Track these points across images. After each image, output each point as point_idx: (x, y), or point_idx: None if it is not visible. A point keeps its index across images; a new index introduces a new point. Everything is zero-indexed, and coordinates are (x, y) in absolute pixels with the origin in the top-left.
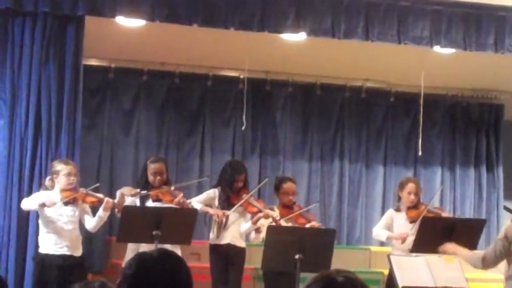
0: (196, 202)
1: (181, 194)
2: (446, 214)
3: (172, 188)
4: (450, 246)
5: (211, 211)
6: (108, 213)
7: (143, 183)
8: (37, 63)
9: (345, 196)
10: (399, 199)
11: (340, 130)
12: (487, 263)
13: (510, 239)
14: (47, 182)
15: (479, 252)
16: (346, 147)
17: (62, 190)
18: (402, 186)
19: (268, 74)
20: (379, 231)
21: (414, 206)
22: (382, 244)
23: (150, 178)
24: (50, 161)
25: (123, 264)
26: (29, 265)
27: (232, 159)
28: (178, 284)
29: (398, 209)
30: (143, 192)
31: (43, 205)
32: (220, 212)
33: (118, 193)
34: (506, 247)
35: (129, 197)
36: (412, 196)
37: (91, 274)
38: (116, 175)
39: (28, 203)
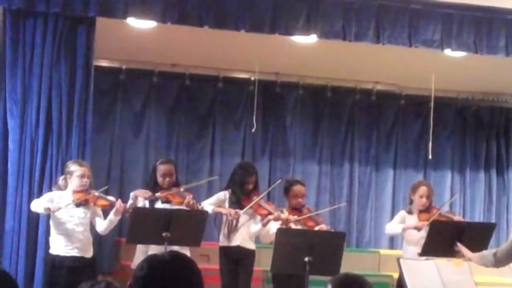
0: (208, 205)
1: (191, 196)
2: (457, 218)
3: (182, 189)
4: (464, 250)
5: (223, 211)
6: (119, 217)
7: (152, 185)
8: (48, 64)
9: (354, 199)
10: (411, 202)
11: (350, 133)
12: (499, 260)
13: None
14: (60, 181)
15: (490, 250)
16: (356, 149)
17: (74, 192)
18: (414, 189)
19: (279, 76)
20: (393, 225)
21: (426, 209)
22: (391, 247)
23: (159, 179)
24: (60, 162)
25: (133, 266)
26: (39, 266)
27: (242, 161)
28: (189, 286)
29: (410, 212)
30: (157, 194)
31: (48, 210)
32: (232, 211)
33: (132, 195)
34: None
35: (142, 199)
36: (424, 200)
37: (100, 275)
38: (126, 176)
39: (36, 205)
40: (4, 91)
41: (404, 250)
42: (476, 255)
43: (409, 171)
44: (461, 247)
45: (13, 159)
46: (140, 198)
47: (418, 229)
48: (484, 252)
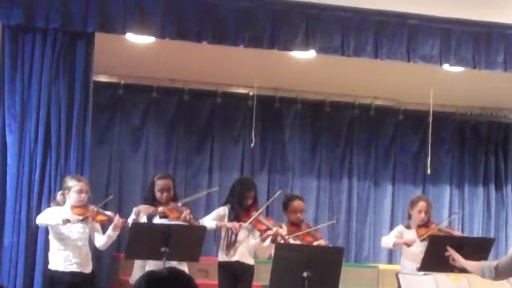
0: (210, 220)
1: (188, 211)
2: (456, 233)
3: (179, 204)
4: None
5: (228, 224)
6: (117, 233)
7: (150, 199)
8: (47, 79)
9: (353, 214)
10: (409, 216)
11: (349, 148)
12: (500, 273)
13: None
14: (58, 197)
15: (490, 262)
16: (355, 164)
17: (73, 207)
18: (412, 204)
19: (277, 91)
20: (387, 239)
21: (424, 224)
22: (390, 262)
23: (157, 194)
24: (59, 177)
25: (131, 281)
26: (38, 281)
27: (241, 176)
28: None
29: (408, 227)
30: (160, 209)
31: (67, 221)
32: (237, 224)
33: (135, 210)
34: None
35: (145, 215)
36: (423, 215)
37: None
38: (125, 191)
39: (47, 219)
40: (3, 106)
41: (402, 265)
42: (473, 264)
43: (407, 186)
44: (452, 252)
45: (11, 174)
46: (142, 214)
47: (408, 245)
48: (483, 263)
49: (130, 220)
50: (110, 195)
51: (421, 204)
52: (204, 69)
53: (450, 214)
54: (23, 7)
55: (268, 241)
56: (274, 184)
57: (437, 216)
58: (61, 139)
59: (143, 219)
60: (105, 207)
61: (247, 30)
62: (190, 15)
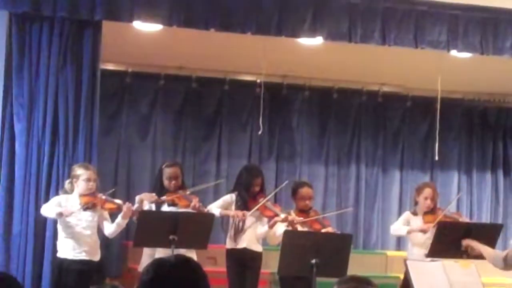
0: (215, 207)
1: (197, 199)
2: (463, 219)
3: (188, 192)
4: (473, 243)
5: (231, 213)
6: (127, 221)
7: (159, 188)
8: (55, 68)
9: (361, 201)
10: (416, 203)
11: (357, 135)
12: (509, 263)
13: None
14: (66, 185)
15: (500, 252)
16: (363, 151)
17: (81, 195)
18: (419, 191)
19: (285, 78)
20: (398, 227)
21: (431, 211)
22: (398, 248)
23: (165, 182)
24: (67, 165)
25: (140, 269)
26: (47, 270)
27: (248, 163)
28: None
29: (415, 213)
30: (163, 197)
31: (60, 215)
32: (240, 213)
33: (137, 198)
34: None
35: (148, 203)
36: (429, 201)
37: (108, 279)
38: (133, 179)
39: (47, 210)
40: (11, 95)
41: (409, 252)
42: (488, 251)
43: (415, 172)
44: (467, 242)
45: (20, 163)
46: (145, 202)
47: (424, 232)
48: (496, 252)
49: (133, 209)
50: (118, 183)
51: (427, 191)
52: (211, 57)
53: (458, 201)
54: None
55: (280, 228)
56: (282, 171)
57: (445, 202)
58: (69, 127)
59: (147, 207)
60: (113, 195)
61: (254, 17)
62: (198, 3)
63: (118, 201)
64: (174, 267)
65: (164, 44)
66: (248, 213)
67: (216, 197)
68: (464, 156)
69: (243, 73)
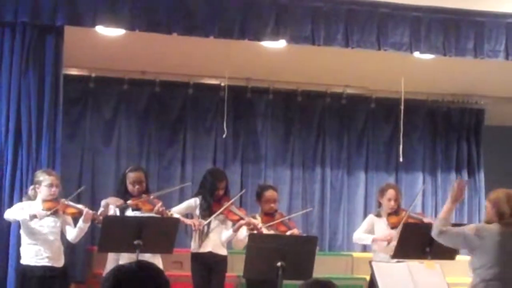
0: (176, 213)
1: (160, 203)
2: (427, 219)
3: (151, 196)
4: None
5: (187, 221)
6: (88, 224)
7: (123, 192)
8: (17, 73)
9: (327, 203)
10: (379, 205)
11: (321, 137)
12: (441, 238)
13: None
14: (30, 191)
15: (441, 225)
16: (328, 153)
17: (44, 201)
18: (382, 192)
19: (249, 82)
20: (361, 235)
21: (395, 212)
22: (364, 250)
23: (129, 187)
24: (31, 171)
25: (104, 274)
26: (11, 276)
27: (212, 167)
28: None
29: (378, 215)
30: (129, 202)
31: (34, 217)
32: (196, 222)
33: (103, 202)
34: (473, 243)
35: (113, 207)
36: (392, 203)
37: (73, 284)
38: (98, 184)
39: (15, 214)
40: None
41: (375, 254)
42: (441, 215)
43: (380, 174)
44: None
45: None
46: (111, 206)
47: (389, 242)
48: (440, 219)
49: (99, 213)
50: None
51: (390, 192)
52: (175, 61)
53: (423, 201)
54: None
55: (243, 231)
56: (247, 174)
57: (410, 203)
58: (32, 133)
59: (112, 211)
60: (78, 200)
61: (217, 21)
62: (160, 7)
63: (79, 206)
64: (135, 273)
65: (127, 48)
66: (204, 222)
67: (181, 201)
68: (428, 157)
69: (207, 77)
